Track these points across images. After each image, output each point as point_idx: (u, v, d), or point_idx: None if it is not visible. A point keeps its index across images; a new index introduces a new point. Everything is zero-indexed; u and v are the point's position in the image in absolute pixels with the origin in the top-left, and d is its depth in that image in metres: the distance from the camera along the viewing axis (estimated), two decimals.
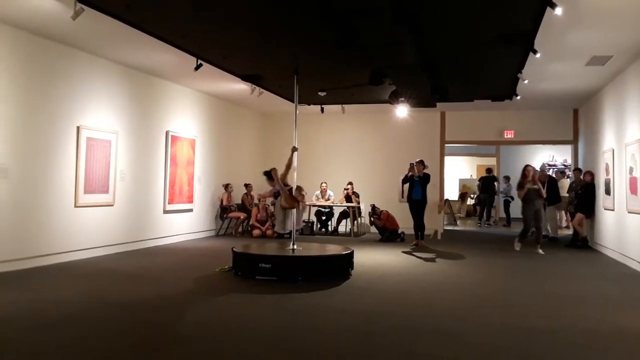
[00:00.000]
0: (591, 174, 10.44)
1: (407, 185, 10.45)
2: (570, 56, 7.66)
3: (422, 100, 9.76)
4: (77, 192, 7.78)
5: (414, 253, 9.30)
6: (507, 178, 15.52)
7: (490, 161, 18.20)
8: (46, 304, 5.02)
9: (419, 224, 10.27)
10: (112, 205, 8.55)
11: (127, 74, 8.92)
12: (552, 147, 16.96)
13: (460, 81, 9.29)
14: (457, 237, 12.35)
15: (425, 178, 10.24)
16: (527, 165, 9.58)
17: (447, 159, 14.05)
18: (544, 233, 12.12)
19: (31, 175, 7.10)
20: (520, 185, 9.39)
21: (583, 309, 5.26)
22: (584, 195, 10.35)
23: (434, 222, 12.14)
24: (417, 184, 10.19)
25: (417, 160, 10.40)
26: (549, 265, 8.13)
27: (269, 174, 7.35)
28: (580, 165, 11.84)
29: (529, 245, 9.90)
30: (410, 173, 10.27)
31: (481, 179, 15.31)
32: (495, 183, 15.10)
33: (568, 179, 13.51)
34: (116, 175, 8.64)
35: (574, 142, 12.50)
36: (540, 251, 9.25)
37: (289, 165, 7.21)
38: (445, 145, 13.28)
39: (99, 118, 8.30)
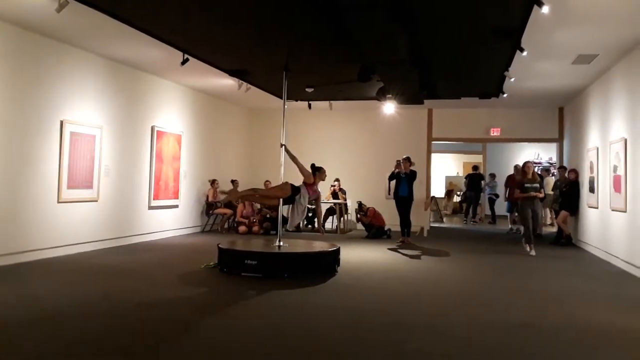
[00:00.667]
0: (575, 172, 10.55)
1: (393, 182, 10.46)
2: (556, 55, 7.72)
3: (410, 97, 9.78)
4: (60, 188, 7.69)
5: (400, 250, 9.33)
6: (492, 175, 15.63)
7: (477, 158, 18.32)
8: (30, 300, 4.95)
9: (405, 221, 10.30)
10: (96, 201, 8.47)
11: (113, 68, 8.82)
12: (537, 145, 17.11)
13: (449, 78, 9.33)
14: (443, 235, 12.41)
15: (412, 175, 10.26)
16: (527, 162, 9.10)
17: (434, 156, 14.10)
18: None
19: (13, 169, 6.99)
20: (521, 184, 8.88)
21: (567, 306, 5.32)
22: (569, 193, 10.46)
23: (420, 219, 12.19)
24: (404, 181, 10.21)
25: (404, 157, 10.43)
26: (533, 262, 8.20)
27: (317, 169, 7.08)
28: (565, 163, 11.96)
29: (518, 244, 9.97)
30: (397, 170, 10.30)
31: (468, 177, 15.39)
32: (482, 181, 15.19)
33: (553, 177, 13.65)
34: (100, 170, 8.55)
35: (559, 140, 12.62)
36: (532, 252, 8.83)
37: (296, 162, 7.10)
38: (432, 142, 13.32)
39: (83, 112, 8.20)
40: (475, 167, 15.45)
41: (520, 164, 13.27)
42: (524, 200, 8.93)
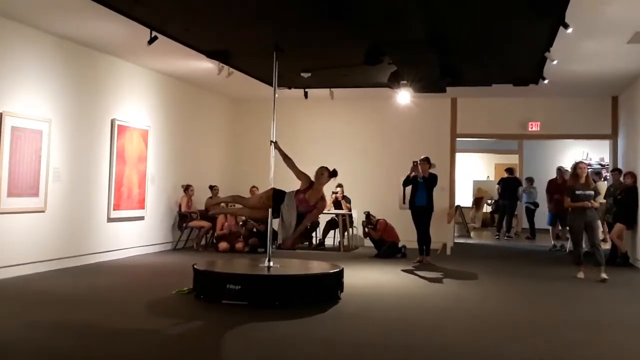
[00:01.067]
0: (633, 176, 10.56)
1: (409, 189, 10.45)
2: (608, 32, 7.73)
3: (429, 84, 9.79)
4: None
5: (417, 272, 9.31)
6: (530, 180, 15.64)
7: (512, 159, 18.30)
8: None
9: (423, 236, 10.29)
10: (43, 212, 8.45)
11: (64, 48, 8.82)
12: (586, 142, 17.11)
13: (476, 61, 9.33)
14: (471, 253, 12.38)
15: (432, 180, 10.26)
16: (580, 163, 8.97)
17: (458, 156, 14.10)
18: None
19: None
20: (571, 191, 8.76)
21: (620, 338, 5.31)
22: (624, 201, 10.45)
23: (442, 233, 12.17)
24: (422, 187, 10.21)
25: (422, 157, 10.42)
26: (580, 286, 8.20)
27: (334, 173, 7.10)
28: (620, 166, 11.96)
29: (564, 265, 9.93)
30: (413, 173, 10.29)
31: (501, 181, 15.38)
32: (519, 187, 15.17)
33: (605, 182, 13.65)
34: (49, 174, 8.54)
35: (612, 136, 12.63)
36: (604, 275, 8.54)
37: (288, 162, 7.07)
38: (457, 139, 13.31)
39: (27, 103, 8.20)
40: (509, 170, 15.45)
41: (565, 166, 13.34)
42: (575, 211, 8.79)
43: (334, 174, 7.11)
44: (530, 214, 15.51)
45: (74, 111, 9.11)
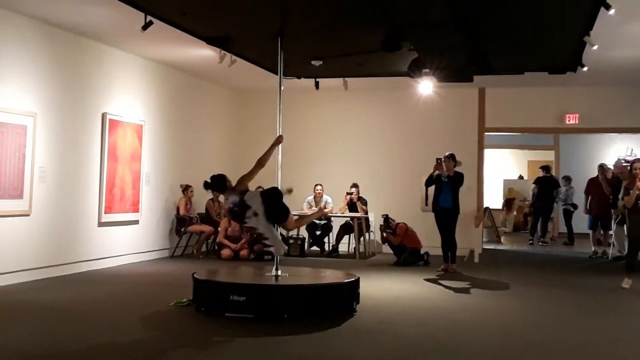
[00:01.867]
0: None
1: (432, 189, 10.42)
2: None
3: (455, 72, 9.75)
4: None
5: (441, 281, 9.28)
6: (567, 179, 15.53)
7: (547, 156, 18.22)
8: None
9: (448, 242, 10.25)
10: (27, 215, 8.49)
11: (49, 35, 8.85)
12: (630, 136, 16.97)
13: (507, 46, 9.28)
14: (501, 260, 12.33)
15: (457, 179, 10.23)
16: (636, 161, 8.90)
17: (487, 152, 14.04)
18: (617, 253, 12.15)
19: None
20: (627, 191, 8.69)
21: None
22: None
23: (469, 239, 12.12)
24: (446, 187, 10.17)
25: (447, 154, 10.39)
26: (627, 299, 8.12)
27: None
28: None
29: (607, 273, 9.87)
30: (437, 172, 10.26)
31: (537, 181, 15.27)
32: (557, 189, 15.04)
33: None
34: (33, 174, 8.57)
35: None
36: (626, 285, 8.68)
37: (261, 161, 6.83)
38: (485, 134, 13.27)
39: (9, 95, 8.23)
40: (546, 168, 15.34)
41: (607, 163, 13.22)
42: (635, 214, 8.70)
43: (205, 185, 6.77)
44: (568, 216, 15.40)
45: (61, 104, 9.14)
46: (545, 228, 15.37)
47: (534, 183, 15.49)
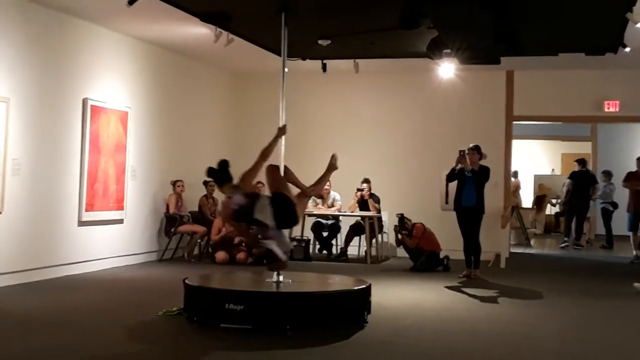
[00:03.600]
0: None
1: (453, 185, 10.42)
2: None
3: (480, 53, 9.72)
4: None
5: (463, 289, 9.27)
6: (607, 174, 15.48)
7: (583, 147, 18.15)
8: None
9: (472, 245, 10.23)
10: None
11: (24, 12, 8.85)
12: None
13: (539, 23, 9.25)
14: (531, 265, 12.32)
15: (483, 173, 10.21)
16: None
17: (516, 144, 14.02)
18: None
19: None
20: None
21: None
22: None
23: (494, 241, 12.10)
24: (470, 183, 10.15)
25: (471, 146, 10.36)
26: None
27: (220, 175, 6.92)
28: None
29: None
30: (460, 166, 10.24)
31: (572, 176, 15.20)
32: (595, 185, 14.97)
33: None
34: (6, 166, 8.59)
35: None
36: None
37: (264, 154, 6.99)
38: (514, 123, 13.24)
39: None
40: (582, 162, 15.26)
41: None
42: None
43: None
44: (607, 216, 15.34)
45: (37, 89, 9.14)
46: (580, 229, 15.31)
47: (568, 178, 15.42)
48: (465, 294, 8.92)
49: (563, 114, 13.26)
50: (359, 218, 12.44)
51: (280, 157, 7.73)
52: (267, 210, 6.66)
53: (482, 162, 10.34)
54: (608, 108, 12.91)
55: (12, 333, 6.13)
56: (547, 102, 13.10)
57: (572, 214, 15.27)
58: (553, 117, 13.56)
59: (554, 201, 18.52)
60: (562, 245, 15.45)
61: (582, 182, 14.90)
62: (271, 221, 6.63)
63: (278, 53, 8.67)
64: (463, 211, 10.24)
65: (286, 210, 6.82)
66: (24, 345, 5.71)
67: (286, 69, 8.05)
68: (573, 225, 15.28)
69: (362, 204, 12.43)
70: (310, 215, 12.45)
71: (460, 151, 10.33)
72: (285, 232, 7.37)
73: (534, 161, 20.30)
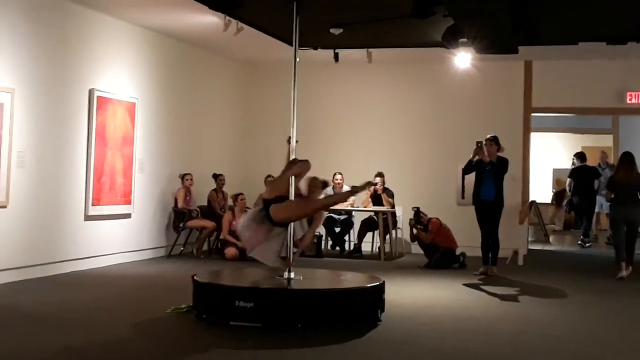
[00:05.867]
0: None
1: (470, 180, 10.40)
2: None
3: (497, 42, 9.68)
4: None
5: (480, 287, 9.25)
6: (613, 168, 15.37)
7: (604, 141, 18.08)
8: None
9: (490, 241, 10.21)
10: (4, 207, 8.54)
11: (29, 1, 8.85)
12: None
13: (559, 11, 9.19)
14: (550, 263, 12.30)
15: (502, 166, 10.17)
16: None
17: (534, 136, 13.96)
18: None
19: None
20: None
21: None
22: None
23: (512, 238, 12.06)
24: (489, 176, 10.11)
25: (489, 137, 10.32)
26: None
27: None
28: None
29: None
30: (477, 158, 10.20)
31: (573, 174, 15.03)
32: (600, 179, 14.83)
33: None
34: (11, 159, 8.62)
35: None
36: None
37: (292, 168, 7.07)
38: (533, 115, 13.20)
39: None
40: (581, 157, 15.04)
41: None
42: None
43: None
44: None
45: (43, 79, 9.16)
46: (589, 227, 15.11)
47: (569, 177, 15.21)
48: (482, 292, 8.91)
49: (584, 105, 13.18)
50: (373, 213, 12.43)
51: (291, 148, 7.69)
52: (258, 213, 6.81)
53: (501, 154, 10.30)
54: (630, 100, 12.84)
55: (17, 330, 6.15)
56: (567, 93, 13.02)
57: (581, 214, 15.07)
58: (573, 109, 13.50)
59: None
60: (585, 242, 15.30)
61: (585, 178, 14.72)
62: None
63: (289, 42, 8.64)
64: (482, 205, 10.21)
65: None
66: (29, 342, 5.72)
67: (298, 59, 8.02)
68: (583, 225, 15.09)
69: (376, 199, 12.41)
70: None
71: (477, 143, 10.28)
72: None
73: (553, 155, 20.21)
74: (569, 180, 15.20)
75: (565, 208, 15.84)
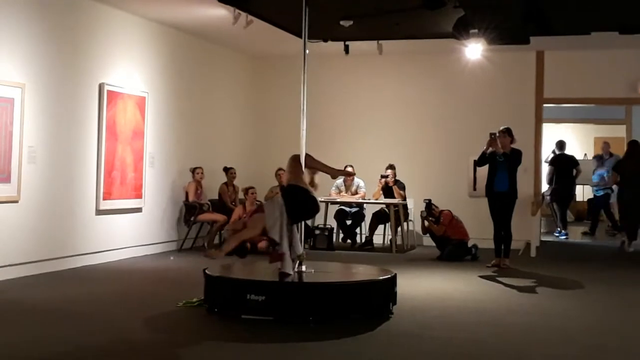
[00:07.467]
0: None
1: (483, 172, 10.37)
2: None
3: (508, 32, 9.64)
4: None
5: (493, 279, 9.24)
6: (600, 159, 15.37)
7: (616, 131, 17.97)
8: None
9: (503, 232, 10.19)
10: (16, 202, 8.56)
11: None
12: None
13: (570, 1, 9.14)
14: (562, 254, 12.26)
15: (515, 157, 10.14)
16: None
17: (546, 127, 13.90)
18: None
19: None
20: None
21: None
22: None
23: (524, 229, 12.03)
24: (502, 167, 10.07)
25: (502, 129, 10.29)
26: None
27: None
28: None
29: None
30: (490, 149, 10.17)
31: (553, 162, 14.85)
32: (578, 167, 14.68)
33: None
34: (22, 154, 8.64)
35: None
36: None
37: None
38: (544, 105, 13.14)
39: None
40: (560, 144, 14.87)
41: None
42: None
43: None
44: (607, 204, 15.20)
45: (53, 74, 9.17)
46: (564, 216, 14.98)
47: (549, 165, 15.02)
48: (494, 283, 8.91)
49: (596, 95, 13.10)
50: (384, 206, 12.42)
51: (301, 140, 7.68)
52: (278, 205, 6.92)
53: (514, 146, 10.26)
54: None
55: (29, 324, 6.18)
56: (579, 83, 12.96)
57: (562, 203, 14.93)
58: (585, 99, 13.42)
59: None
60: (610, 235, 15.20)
61: (564, 165, 14.59)
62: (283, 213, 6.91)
63: (299, 35, 8.63)
64: (495, 196, 10.17)
65: (299, 202, 6.97)
66: (41, 336, 5.75)
67: (307, 51, 8.01)
68: (559, 213, 14.97)
69: (387, 191, 12.38)
70: (333, 203, 12.46)
71: (490, 134, 10.25)
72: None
73: (566, 146, 20.12)
74: (548, 168, 14.98)
75: (547, 197, 15.67)
